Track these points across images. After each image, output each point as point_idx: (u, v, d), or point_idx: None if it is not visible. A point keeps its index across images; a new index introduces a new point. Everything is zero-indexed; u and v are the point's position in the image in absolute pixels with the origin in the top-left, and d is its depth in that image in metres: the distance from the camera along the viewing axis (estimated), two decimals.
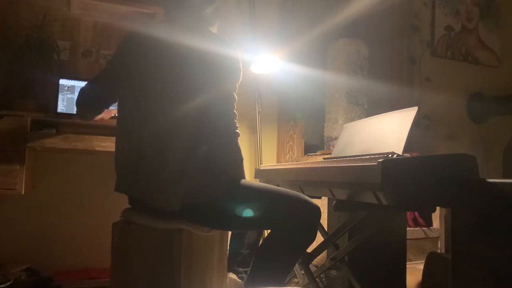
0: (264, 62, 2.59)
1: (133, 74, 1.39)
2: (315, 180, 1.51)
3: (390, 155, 1.30)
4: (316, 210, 1.38)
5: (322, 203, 2.23)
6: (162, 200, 1.28)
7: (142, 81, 1.37)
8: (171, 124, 1.30)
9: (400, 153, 1.37)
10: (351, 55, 2.98)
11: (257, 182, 1.53)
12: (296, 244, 1.37)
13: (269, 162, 2.92)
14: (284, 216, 1.35)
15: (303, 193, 1.45)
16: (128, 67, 1.40)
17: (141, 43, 1.40)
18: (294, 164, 1.95)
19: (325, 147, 3.03)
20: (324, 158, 1.94)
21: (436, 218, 2.70)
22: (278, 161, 2.99)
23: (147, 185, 1.31)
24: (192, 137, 1.28)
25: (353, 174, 1.22)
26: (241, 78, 1.41)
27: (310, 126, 3.31)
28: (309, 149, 3.15)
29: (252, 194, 1.36)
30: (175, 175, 1.27)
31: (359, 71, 2.99)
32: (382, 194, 1.12)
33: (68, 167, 2.40)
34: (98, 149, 2.11)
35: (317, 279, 1.71)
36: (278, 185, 1.61)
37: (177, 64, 1.32)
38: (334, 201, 1.41)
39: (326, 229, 2.06)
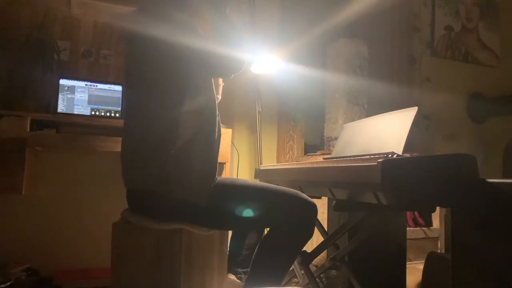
0: (264, 62, 2.58)
1: (130, 73, 1.44)
2: (315, 180, 1.51)
3: (390, 155, 1.30)
4: (312, 207, 1.39)
5: (322, 203, 2.24)
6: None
7: (135, 80, 1.41)
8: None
9: (400, 153, 1.37)
10: (351, 55, 2.98)
11: (252, 181, 1.53)
12: (293, 242, 1.38)
13: (269, 162, 2.92)
14: (280, 214, 1.36)
15: (303, 193, 1.45)
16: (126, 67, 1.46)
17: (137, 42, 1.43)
18: (294, 164, 1.95)
19: (325, 147, 3.03)
20: (324, 158, 1.94)
21: (436, 218, 2.70)
22: (278, 161, 2.99)
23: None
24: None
25: (353, 174, 1.22)
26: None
27: (310, 126, 3.31)
28: (309, 149, 3.15)
29: (244, 193, 1.37)
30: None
31: (359, 71, 2.99)
32: (382, 194, 1.12)
33: (68, 167, 2.40)
34: (98, 149, 2.11)
35: (317, 279, 1.71)
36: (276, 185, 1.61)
37: (174, 64, 1.33)
38: (334, 201, 1.42)
39: (326, 229, 2.06)
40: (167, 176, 1.28)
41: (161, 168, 1.29)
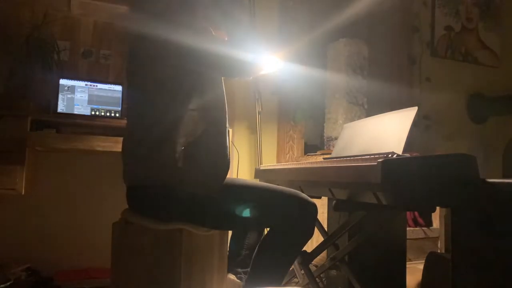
0: (264, 62, 2.58)
1: (132, 74, 1.43)
2: (315, 180, 1.51)
3: (390, 155, 1.30)
4: (312, 207, 1.39)
5: (322, 203, 2.24)
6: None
7: (139, 80, 1.41)
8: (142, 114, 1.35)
9: (400, 153, 1.37)
10: (351, 55, 2.98)
11: (252, 181, 1.53)
12: (293, 242, 1.38)
13: (269, 162, 2.92)
14: (280, 214, 1.36)
15: (303, 193, 1.45)
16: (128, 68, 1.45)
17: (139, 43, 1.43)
18: (294, 164, 1.95)
19: (325, 147, 3.03)
20: (324, 158, 1.94)
21: (436, 218, 2.70)
22: (278, 161, 2.99)
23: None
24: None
25: (353, 174, 1.22)
26: None
27: (310, 126, 3.31)
28: (309, 149, 3.15)
29: (244, 193, 1.38)
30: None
31: (359, 71, 2.99)
32: (382, 194, 1.12)
33: (68, 167, 2.40)
34: (98, 149, 2.11)
35: (317, 279, 1.71)
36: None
37: (176, 65, 1.32)
38: (334, 201, 1.41)
39: (326, 229, 2.06)
40: (175, 171, 1.28)
41: (167, 163, 1.28)
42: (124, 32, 2.47)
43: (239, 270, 1.62)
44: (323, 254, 2.00)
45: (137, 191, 1.36)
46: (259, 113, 2.79)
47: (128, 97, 1.48)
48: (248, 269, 1.42)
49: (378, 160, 1.09)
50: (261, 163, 2.75)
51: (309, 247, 1.55)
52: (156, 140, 1.30)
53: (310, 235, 1.39)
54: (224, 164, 1.37)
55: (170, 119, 1.30)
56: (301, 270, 1.69)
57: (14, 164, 1.99)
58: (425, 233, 2.65)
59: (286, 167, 1.81)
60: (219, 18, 1.44)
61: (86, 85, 2.30)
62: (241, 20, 1.45)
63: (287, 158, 3.01)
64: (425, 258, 1.92)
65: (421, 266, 1.93)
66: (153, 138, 1.31)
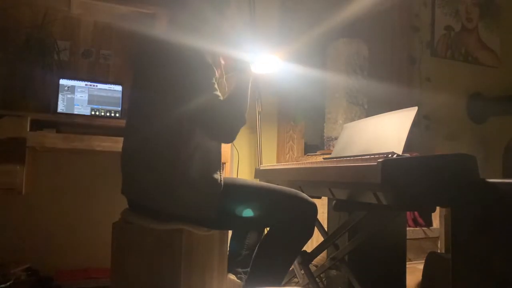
0: (264, 62, 2.58)
1: (135, 75, 1.42)
2: (315, 180, 1.51)
3: (390, 155, 1.30)
4: (312, 207, 1.39)
5: (322, 203, 2.24)
6: (171, 204, 1.31)
7: (140, 82, 1.39)
8: (165, 127, 1.31)
9: (400, 153, 1.37)
10: (351, 55, 2.98)
11: (252, 180, 1.53)
12: (293, 242, 1.38)
13: (269, 162, 2.92)
14: (280, 214, 1.36)
15: (303, 193, 1.45)
16: (133, 69, 1.44)
17: (143, 45, 1.43)
18: (294, 164, 1.95)
19: (325, 147, 3.03)
20: (324, 158, 1.94)
21: (436, 218, 2.70)
22: (278, 161, 2.99)
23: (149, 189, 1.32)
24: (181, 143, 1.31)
25: (353, 174, 1.22)
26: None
27: (310, 126, 3.31)
28: (309, 149, 3.15)
29: (244, 193, 1.38)
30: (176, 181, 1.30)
31: (359, 71, 2.99)
32: (382, 194, 1.12)
33: (68, 167, 2.40)
34: (98, 149, 2.11)
35: (317, 279, 1.71)
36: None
37: (176, 65, 1.32)
38: (334, 201, 1.42)
39: (326, 229, 2.06)
40: (174, 198, 1.29)
41: (165, 187, 1.29)
42: (130, 32, 2.47)
43: (239, 270, 1.63)
44: (323, 254, 2.00)
45: (137, 203, 1.37)
46: (259, 113, 2.79)
47: (132, 101, 1.46)
48: (248, 269, 1.42)
49: (378, 160, 1.09)
50: (261, 163, 2.75)
51: (309, 247, 1.55)
52: (158, 155, 1.30)
53: (310, 235, 1.39)
54: (215, 180, 1.36)
55: (174, 124, 1.30)
56: (301, 270, 1.69)
57: (14, 164, 1.99)
58: (425, 233, 2.65)
59: (286, 167, 1.81)
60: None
61: (86, 85, 2.30)
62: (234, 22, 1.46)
63: (287, 158, 3.01)
64: (425, 258, 1.92)
65: (421, 266, 1.93)
66: (155, 153, 1.31)
